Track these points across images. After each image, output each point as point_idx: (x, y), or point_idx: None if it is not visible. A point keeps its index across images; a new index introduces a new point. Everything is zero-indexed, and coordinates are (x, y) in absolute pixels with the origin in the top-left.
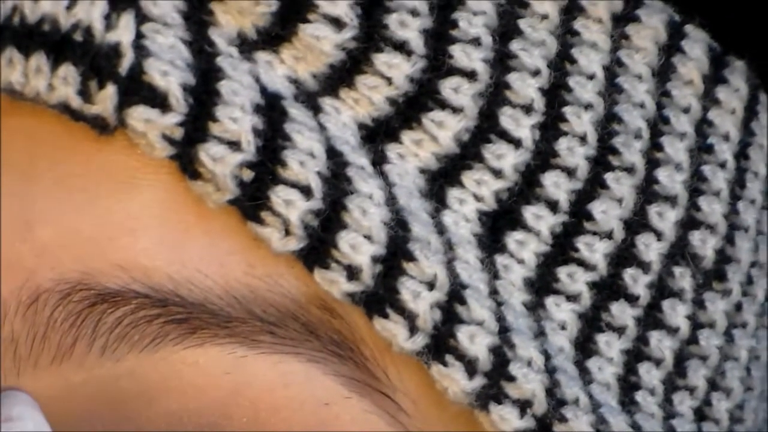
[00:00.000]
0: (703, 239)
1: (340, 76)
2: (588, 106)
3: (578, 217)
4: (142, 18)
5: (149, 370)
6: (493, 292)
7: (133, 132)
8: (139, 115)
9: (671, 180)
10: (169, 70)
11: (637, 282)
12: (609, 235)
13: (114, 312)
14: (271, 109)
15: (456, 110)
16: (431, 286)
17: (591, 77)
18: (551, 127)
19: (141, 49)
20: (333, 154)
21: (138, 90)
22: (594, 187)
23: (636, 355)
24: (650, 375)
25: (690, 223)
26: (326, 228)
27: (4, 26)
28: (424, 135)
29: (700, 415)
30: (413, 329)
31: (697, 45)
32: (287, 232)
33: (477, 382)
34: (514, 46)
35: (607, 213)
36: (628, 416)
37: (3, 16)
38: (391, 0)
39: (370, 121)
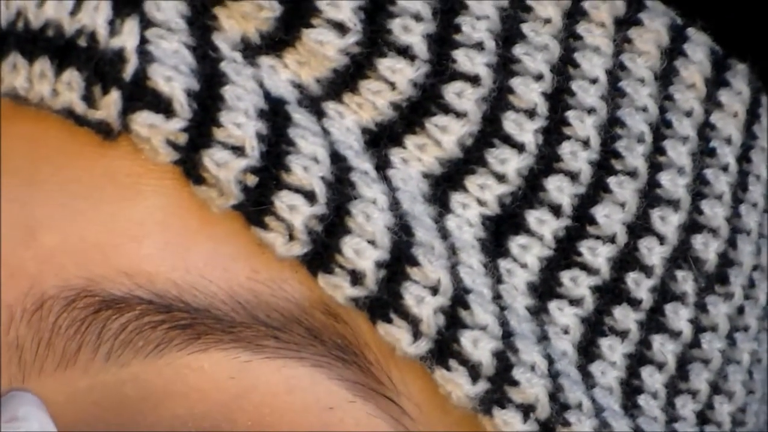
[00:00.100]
0: (706, 243)
1: (344, 80)
2: (591, 111)
3: (581, 221)
4: (146, 23)
5: (154, 376)
6: (497, 297)
7: (137, 137)
8: (143, 120)
9: (674, 184)
10: (173, 76)
11: (640, 286)
12: (612, 239)
13: (118, 318)
14: (274, 114)
15: (459, 115)
16: (435, 290)
17: (594, 81)
18: (554, 131)
19: (145, 55)
20: (337, 159)
21: (142, 95)
22: (597, 191)
23: (639, 358)
24: (653, 379)
25: (692, 226)
26: (330, 233)
27: (8, 31)
28: (427, 140)
29: (703, 418)
30: (417, 334)
31: (699, 48)
32: (291, 237)
33: (480, 387)
34: (518, 50)
35: (610, 217)
36: (631, 420)
37: (7, 22)
38: (395, 5)
39: (373, 126)
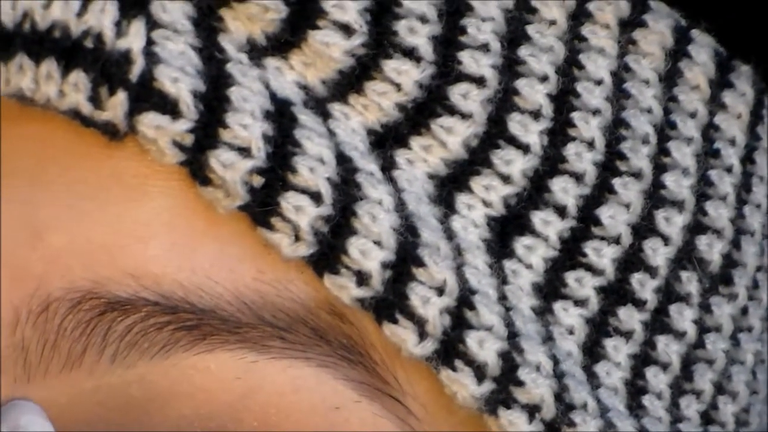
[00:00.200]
0: (710, 244)
1: (350, 82)
2: (596, 112)
3: (586, 222)
4: (152, 24)
5: (160, 377)
6: (502, 298)
7: (143, 138)
8: (150, 121)
9: (678, 185)
10: (180, 77)
11: (645, 287)
12: (617, 240)
13: (124, 320)
14: (280, 115)
15: (465, 116)
16: (440, 291)
17: (599, 83)
18: (559, 132)
19: (151, 56)
20: (342, 160)
21: (148, 96)
22: (602, 192)
23: (643, 359)
24: (657, 379)
25: (697, 227)
26: (336, 234)
27: (14, 32)
28: (433, 141)
29: (707, 418)
30: (423, 334)
31: (703, 50)
32: (297, 238)
33: (486, 387)
34: (523, 52)
35: (615, 218)
36: (636, 420)
37: (13, 23)
38: (401, 6)
39: (379, 127)
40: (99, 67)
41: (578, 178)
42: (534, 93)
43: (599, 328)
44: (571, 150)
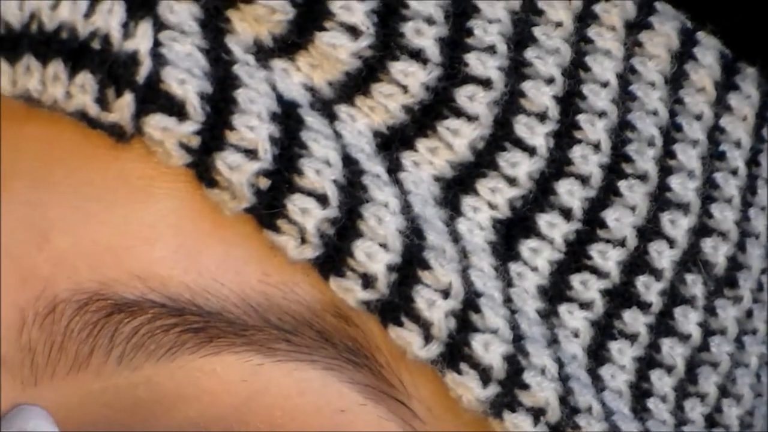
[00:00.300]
0: (715, 246)
1: (356, 84)
2: (602, 114)
3: (591, 224)
4: (159, 26)
5: (166, 379)
6: (507, 300)
7: (150, 140)
8: (157, 123)
9: (684, 187)
10: (187, 79)
11: (650, 289)
12: (622, 243)
13: (131, 322)
14: (287, 117)
15: (471, 118)
16: (446, 294)
17: (605, 85)
18: (565, 134)
19: (158, 58)
20: (349, 162)
21: (155, 98)
22: (607, 194)
23: (648, 362)
24: (662, 382)
25: (702, 230)
26: (342, 236)
27: (21, 33)
28: (439, 143)
29: (711, 421)
30: (428, 337)
31: (709, 52)
32: (303, 241)
33: (491, 390)
34: (529, 54)
35: (621, 220)
36: (640, 423)
37: (21, 24)
38: (408, 8)
39: (385, 129)
40: (106, 69)
41: (584, 180)
42: (540, 95)
43: (604, 331)
44: (577, 152)
